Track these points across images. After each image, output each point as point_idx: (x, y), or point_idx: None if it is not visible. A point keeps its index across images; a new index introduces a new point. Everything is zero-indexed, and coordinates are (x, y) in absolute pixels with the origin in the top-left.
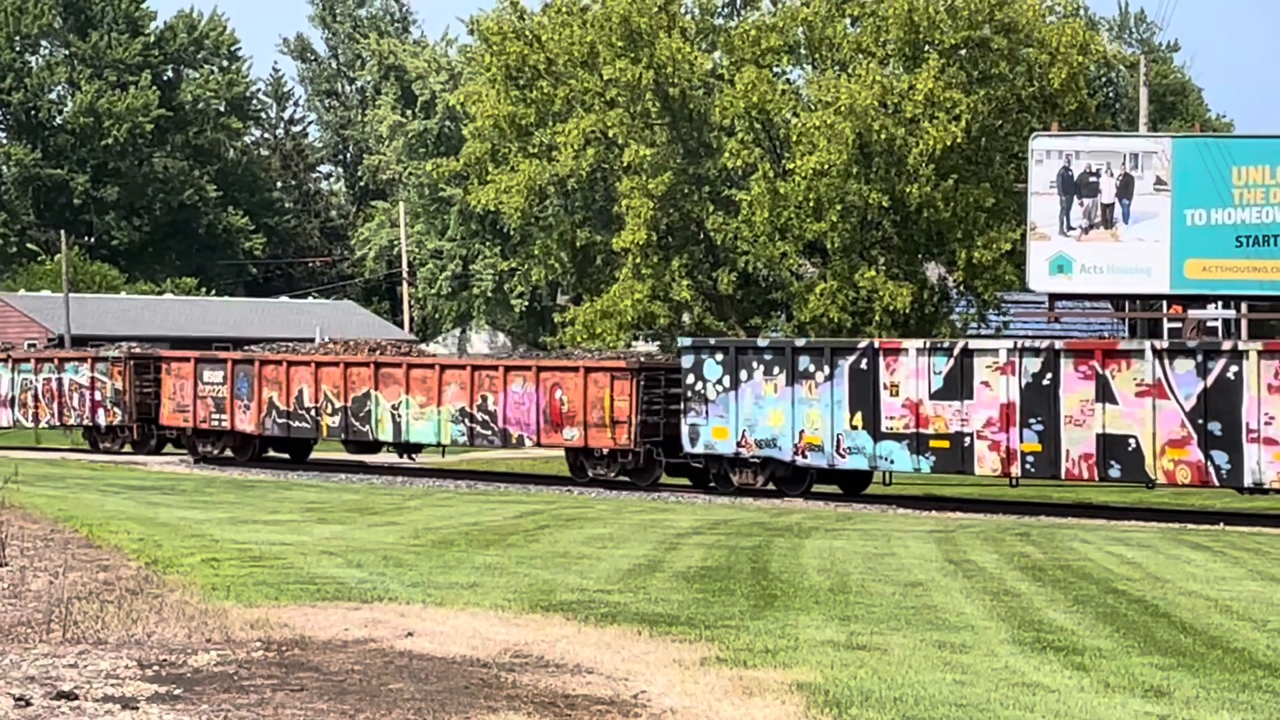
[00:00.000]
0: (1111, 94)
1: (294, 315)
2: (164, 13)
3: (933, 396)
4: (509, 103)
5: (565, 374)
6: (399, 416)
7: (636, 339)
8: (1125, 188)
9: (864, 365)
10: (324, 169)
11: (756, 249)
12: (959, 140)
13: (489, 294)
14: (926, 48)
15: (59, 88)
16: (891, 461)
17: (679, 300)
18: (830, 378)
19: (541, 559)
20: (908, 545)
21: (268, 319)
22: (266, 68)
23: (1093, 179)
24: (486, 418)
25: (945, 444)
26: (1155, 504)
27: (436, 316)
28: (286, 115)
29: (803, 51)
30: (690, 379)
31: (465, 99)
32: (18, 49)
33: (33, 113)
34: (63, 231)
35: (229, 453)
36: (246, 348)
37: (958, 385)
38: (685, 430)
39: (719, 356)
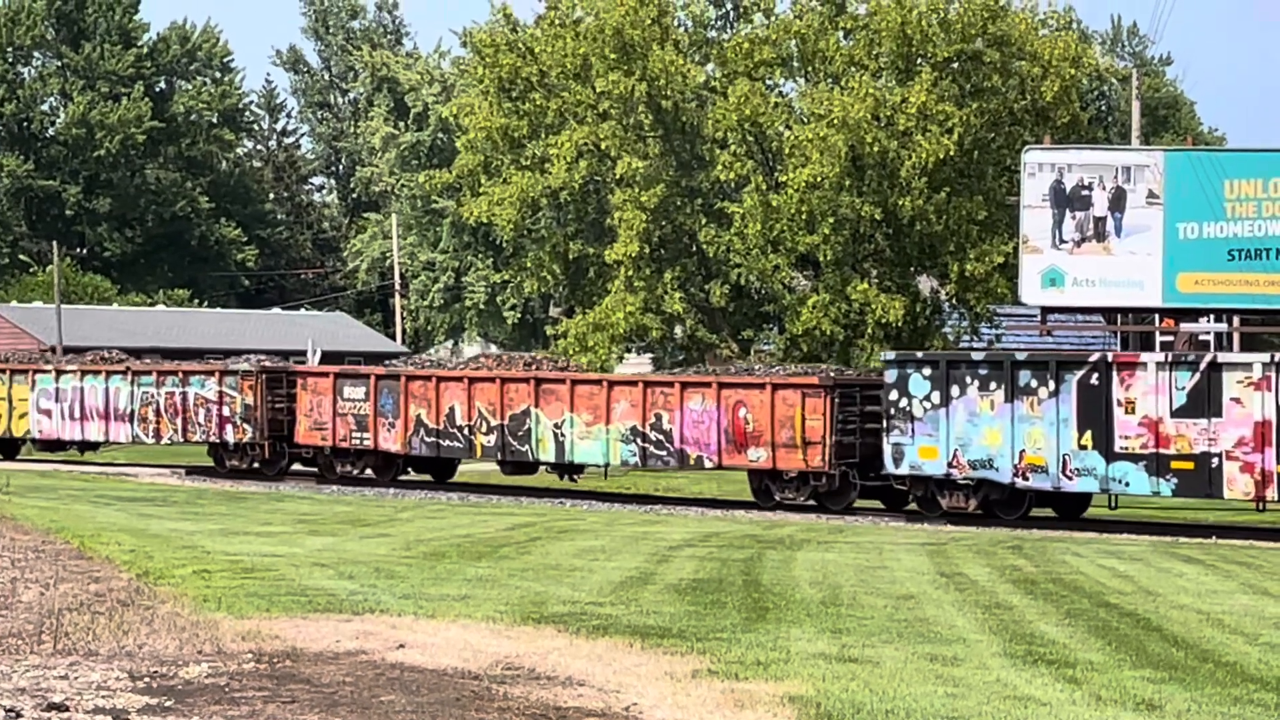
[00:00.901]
0: (1104, 107)
1: (285, 327)
2: (157, 24)
3: (1174, 414)
4: (502, 115)
5: (750, 391)
6: (562, 435)
7: (629, 351)
8: (1117, 201)
9: (1094, 380)
10: (316, 181)
11: (749, 261)
12: (951, 153)
13: (481, 306)
14: (919, 61)
15: (51, 99)
16: (1126, 484)
17: (671, 313)
18: (1055, 393)
19: (533, 571)
20: (900, 558)
21: (259, 330)
22: (259, 79)
23: (1085, 192)
24: (661, 437)
25: (1189, 465)
26: (1147, 517)
27: (429, 328)
28: (279, 127)
29: (795, 64)
30: (894, 395)
31: (458, 111)
32: (10, 60)
33: (25, 124)
34: (55, 242)
35: (369, 473)
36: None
37: (1204, 402)
38: (888, 450)
39: (927, 371)
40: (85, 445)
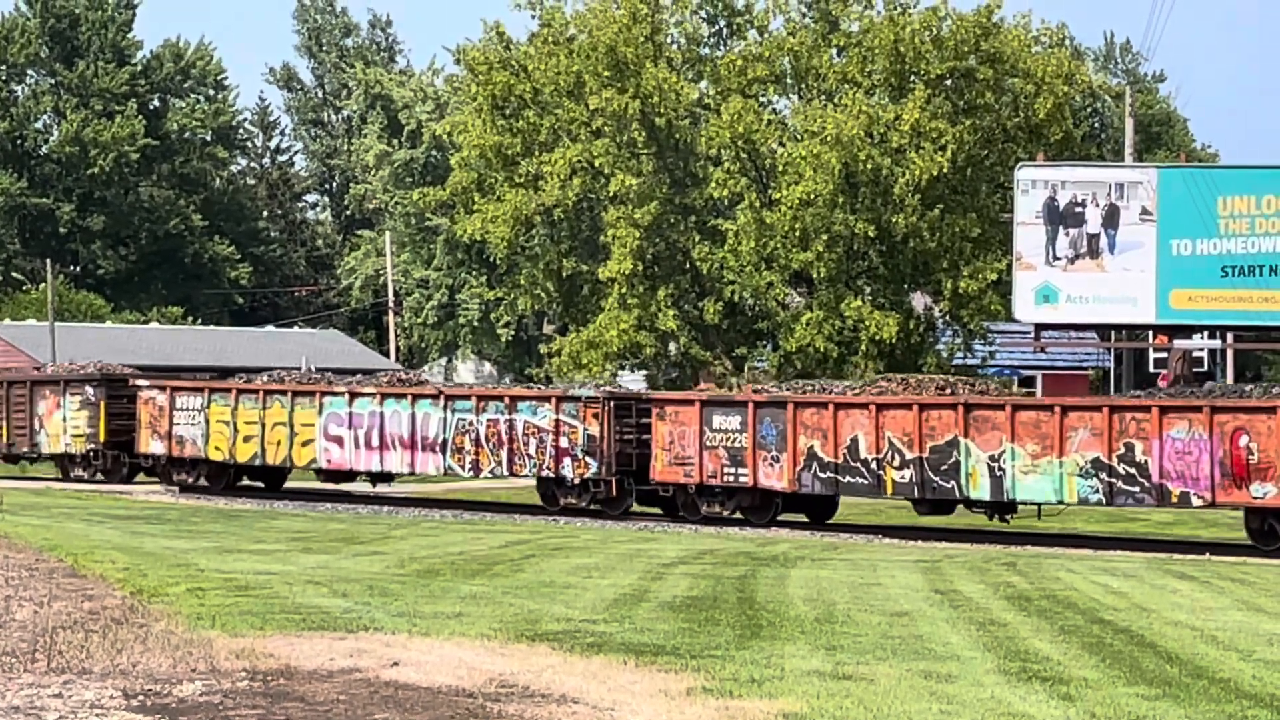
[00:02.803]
0: (1097, 124)
1: (279, 344)
2: (150, 42)
3: None
4: (495, 132)
5: (1255, 416)
6: (999, 470)
7: (622, 369)
8: (1111, 218)
9: None
10: (310, 198)
11: (742, 278)
12: (945, 170)
13: (475, 323)
14: (912, 78)
15: (45, 117)
16: None
17: (665, 330)
18: None
19: (527, 588)
20: (894, 575)
21: (252, 348)
22: (253, 97)
23: (1078, 209)
24: (1133, 471)
25: None
26: (1141, 533)
27: (422, 346)
28: (272, 144)
29: (789, 81)
30: None
31: (451, 128)
32: (4, 78)
33: (19, 141)
34: (48, 260)
35: (738, 514)
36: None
37: None
38: None
39: None
40: (379, 476)
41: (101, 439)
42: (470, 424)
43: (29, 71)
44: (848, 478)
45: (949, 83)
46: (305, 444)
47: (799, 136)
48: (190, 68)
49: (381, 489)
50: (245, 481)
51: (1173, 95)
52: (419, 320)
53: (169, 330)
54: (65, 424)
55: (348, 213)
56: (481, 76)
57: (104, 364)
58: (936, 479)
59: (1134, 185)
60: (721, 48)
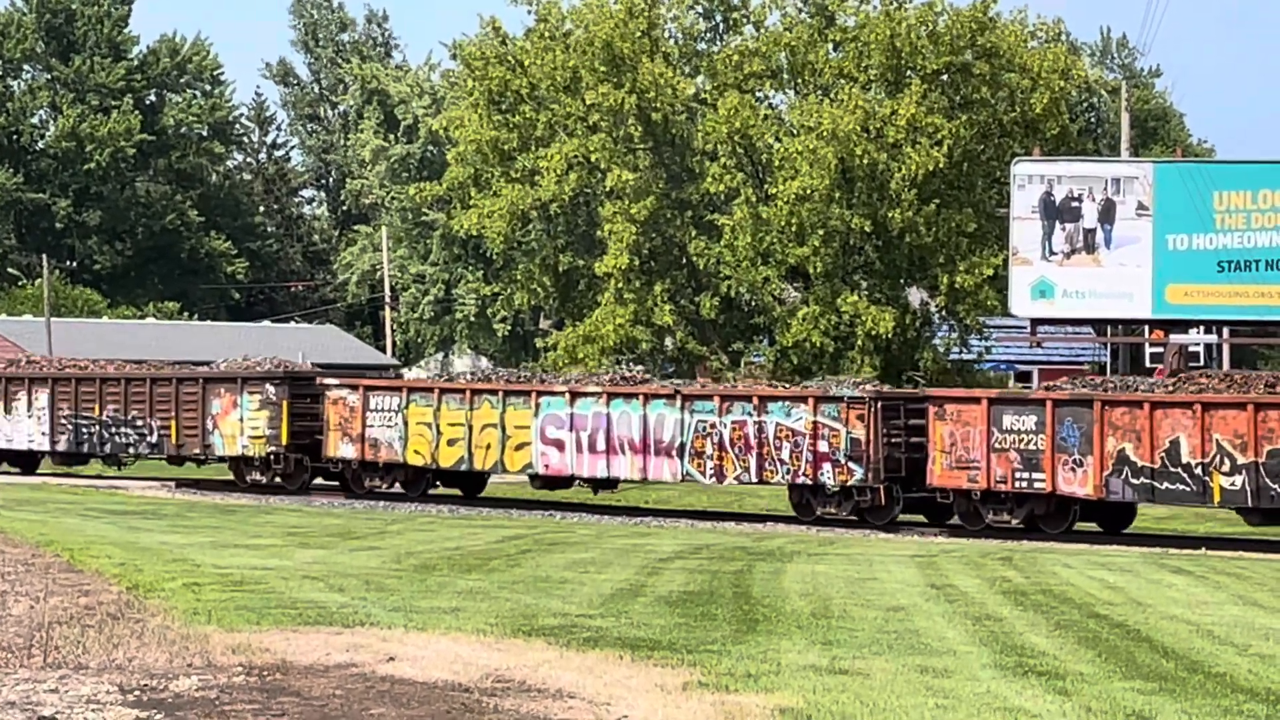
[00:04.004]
0: (1093, 119)
1: (275, 339)
2: (147, 37)
3: None
4: (491, 127)
5: None
6: None
7: (618, 363)
8: (1107, 213)
9: None
10: (306, 193)
11: (739, 273)
12: (941, 165)
13: (471, 319)
14: (908, 73)
15: (41, 112)
16: None
17: (661, 325)
18: None
19: (523, 584)
20: (890, 570)
21: (249, 343)
22: (249, 92)
23: (1075, 204)
24: None
25: None
26: (1137, 529)
27: (419, 341)
28: (269, 139)
29: (785, 76)
30: None
31: (448, 123)
32: (0, 73)
33: (15, 137)
34: (44, 255)
35: (1029, 523)
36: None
37: None
38: None
39: None
40: (603, 483)
41: (283, 441)
42: (712, 426)
43: (25, 66)
44: (1165, 484)
45: (945, 78)
46: (519, 448)
47: (795, 131)
48: (186, 63)
49: (604, 496)
50: (438, 489)
51: (1169, 90)
52: (415, 315)
53: (165, 325)
54: (242, 424)
55: (344, 208)
56: (478, 71)
57: (284, 361)
58: (1276, 486)
59: (1130, 180)
60: (718, 43)
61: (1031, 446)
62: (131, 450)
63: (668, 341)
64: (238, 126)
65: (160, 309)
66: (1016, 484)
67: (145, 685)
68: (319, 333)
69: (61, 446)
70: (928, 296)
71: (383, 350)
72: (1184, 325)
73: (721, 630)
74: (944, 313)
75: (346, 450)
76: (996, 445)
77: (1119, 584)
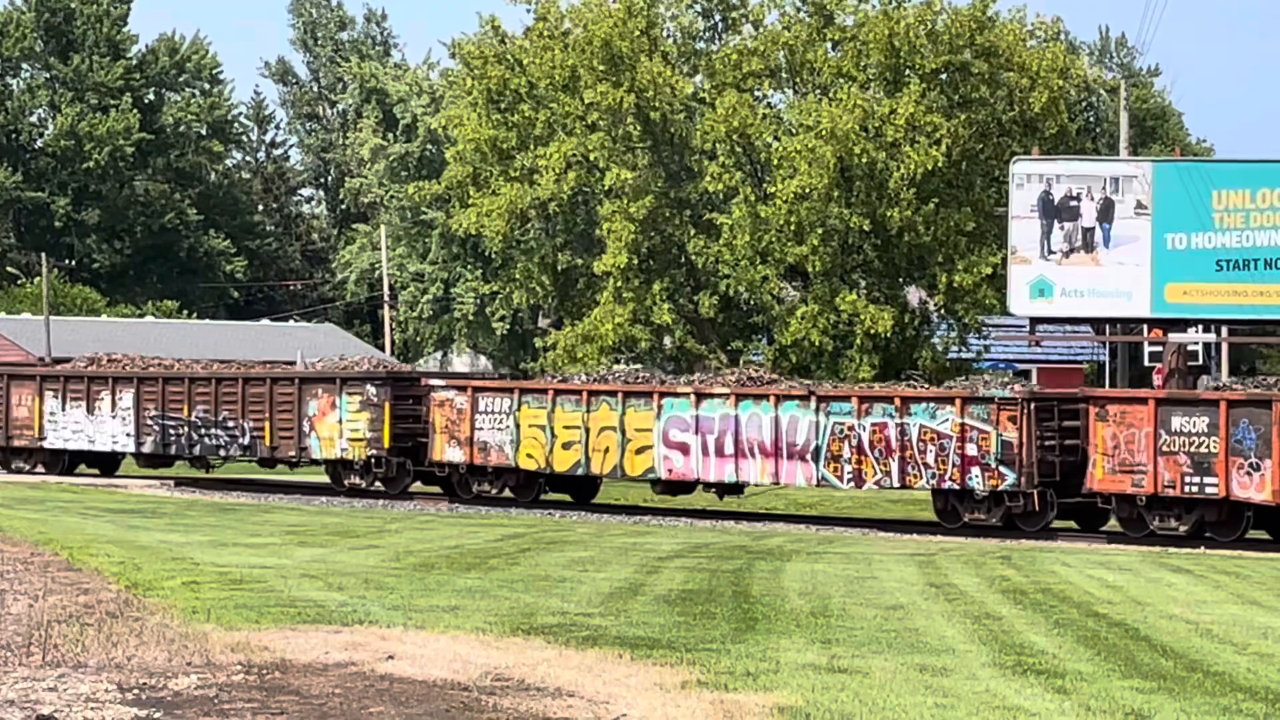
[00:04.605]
0: (1092, 118)
1: (274, 338)
2: (146, 36)
3: None
4: (490, 126)
5: None
6: None
7: (617, 362)
8: (1106, 212)
9: None
10: (305, 192)
11: (738, 272)
12: (940, 164)
13: (470, 317)
14: (907, 72)
15: (40, 110)
16: None
17: (660, 324)
18: None
19: (523, 582)
20: (889, 569)
21: (248, 342)
22: (248, 91)
23: (1073, 203)
24: None
25: None
26: None
27: (418, 340)
28: (268, 138)
29: (784, 75)
30: None
31: (447, 122)
32: None
33: (13, 135)
34: (43, 254)
35: (1188, 531)
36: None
37: None
38: None
39: None
40: (728, 488)
41: (385, 444)
42: (850, 428)
43: (24, 65)
44: None
45: (944, 77)
46: (640, 451)
47: (794, 130)
48: (185, 62)
49: (728, 501)
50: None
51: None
52: (414, 314)
53: (164, 324)
54: (341, 426)
55: (343, 207)
56: (477, 70)
57: (382, 360)
58: None
59: (1129, 179)
60: (717, 42)
61: (1203, 449)
62: (222, 452)
63: (666, 340)
64: (236, 125)
65: (159, 308)
66: (1186, 489)
67: (144, 684)
68: (318, 331)
69: (147, 448)
70: (926, 295)
71: (381, 349)
72: (1183, 324)
73: (720, 629)
74: (943, 311)
75: (453, 454)
76: (1164, 448)
77: (1118, 583)
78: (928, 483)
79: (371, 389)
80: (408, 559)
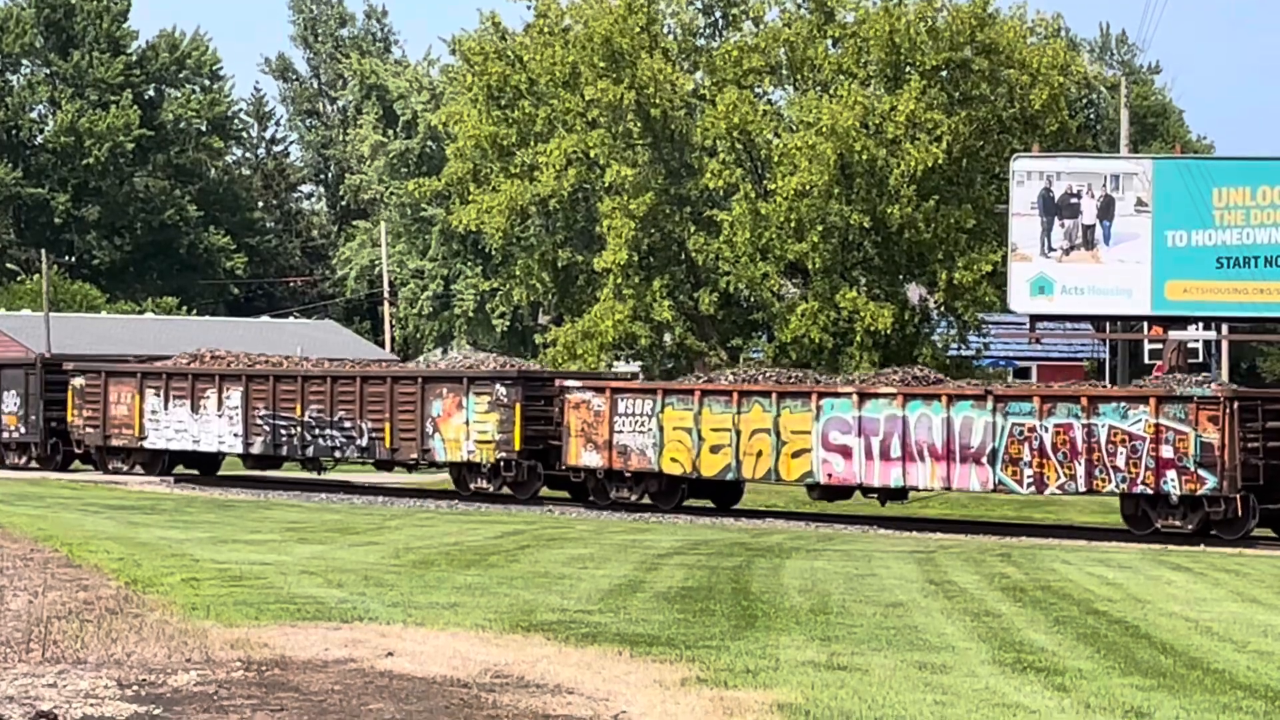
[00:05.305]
0: (1092, 115)
1: (274, 335)
2: (146, 32)
3: None
4: (490, 123)
5: None
6: None
7: (617, 359)
8: (1106, 209)
9: None
10: (305, 189)
11: (738, 269)
12: (940, 161)
13: (470, 314)
14: (908, 69)
15: (40, 107)
16: None
17: (660, 321)
18: None
19: (522, 579)
20: (889, 566)
21: (248, 338)
22: (248, 87)
23: (1074, 200)
24: None
25: None
26: None
27: (418, 336)
28: (268, 135)
29: (784, 72)
30: None
31: (447, 119)
32: None
33: (13, 132)
34: (43, 251)
35: None
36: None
37: None
38: None
39: None
40: (892, 493)
41: (516, 447)
42: (1031, 430)
43: (24, 61)
44: None
45: (944, 74)
46: (796, 455)
47: (794, 127)
48: (185, 58)
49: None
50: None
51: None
52: (414, 311)
53: (164, 321)
54: (468, 428)
55: (343, 203)
56: (477, 67)
57: (509, 359)
58: None
59: (1129, 176)
60: (717, 38)
61: None
62: (338, 453)
63: (666, 338)
64: (237, 122)
65: (159, 304)
66: None
67: (144, 680)
68: (318, 328)
69: (256, 449)
70: (926, 292)
71: (381, 345)
72: (1183, 322)
73: (720, 626)
74: (943, 309)
75: (590, 458)
76: None
77: (1118, 580)
78: (1117, 487)
79: (502, 389)
80: (407, 556)
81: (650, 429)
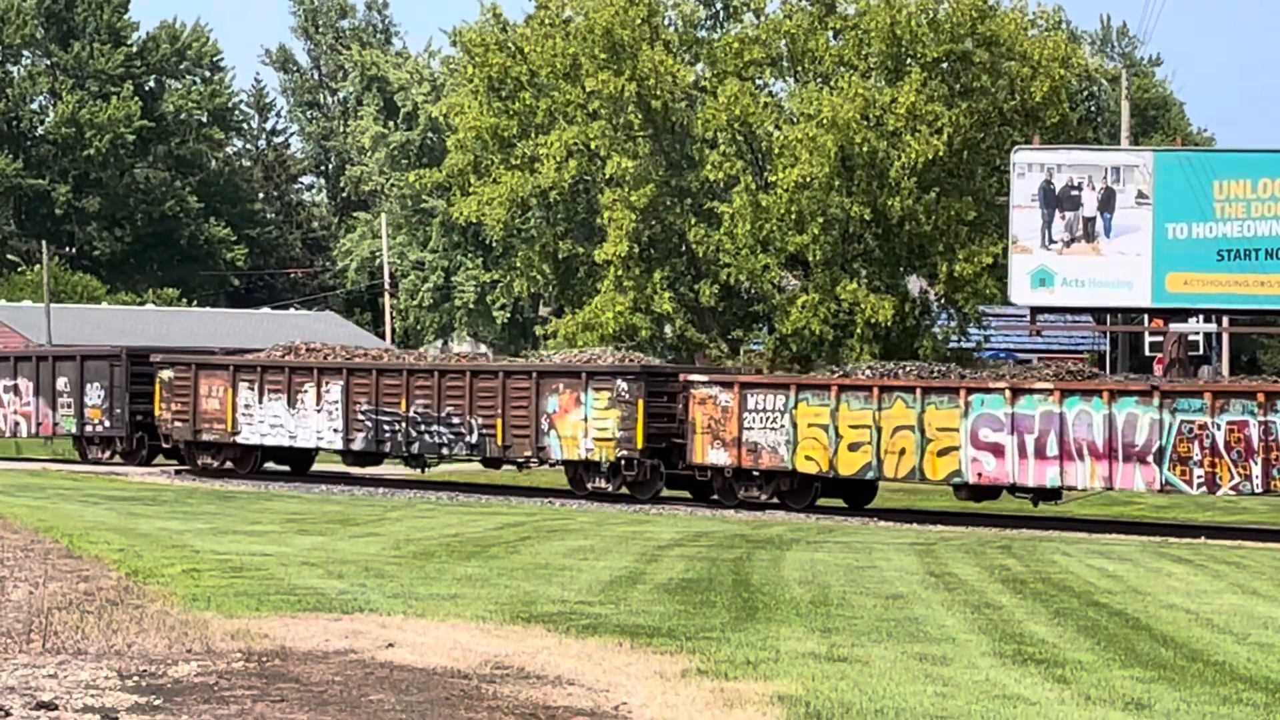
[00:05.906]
0: (1093, 107)
1: (275, 326)
2: (146, 23)
3: None
4: (491, 114)
5: None
6: None
7: (618, 350)
8: (1107, 201)
9: None
10: (306, 180)
11: (738, 261)
12: (941, 153)
13: (471, 306)
14: (908, 61)
15: (41, 98)
16: None
17: (660, 312)
18: None
19: (523, 570)
20: (889, 558)
21: (248, 330)
22: (249, 79)
23: (1074, 192)
24: None
25: None
26: (1137, 517)
27: (418, 328)
28: (268, 126)
29: (785, 64)
30: None
31: (448, 110)
32: (0, 59)
33: (14, 123)
34: (44, 242)
35: None
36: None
37: None
38: None
39: None
40: (1045, 494)
41: (638, 445)
42: (1202, 427)
43: (25, 52)
44: None
45: (945, 66)
46: (943, 453)
47: (795, 119)
48: (186, 49)
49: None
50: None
51: (1169, 79)
52: (414, 302)
53: (165, 312)
54: (587, 425)
55: (343, 195)
56: (478, 58)
57: (631, 353)
58: None
59: (1130, 169)
60: (718, 30)
61: None
62: (445, 450)
63: (667, 329)
64: (237, 113)
65: (160, 295)
66: None
67: (144, 671)
68: (318, 319)
69: (357, 445)
70: (927, 285)
71: (382, 337)
72: (1183, 314)
73: (720, 618)
74: (943, 301)
75: (718, 456)
76: None
77: (1118, 572)
78: None
79: (623, 384)
80: (408, 547)
81: (783, 425)
